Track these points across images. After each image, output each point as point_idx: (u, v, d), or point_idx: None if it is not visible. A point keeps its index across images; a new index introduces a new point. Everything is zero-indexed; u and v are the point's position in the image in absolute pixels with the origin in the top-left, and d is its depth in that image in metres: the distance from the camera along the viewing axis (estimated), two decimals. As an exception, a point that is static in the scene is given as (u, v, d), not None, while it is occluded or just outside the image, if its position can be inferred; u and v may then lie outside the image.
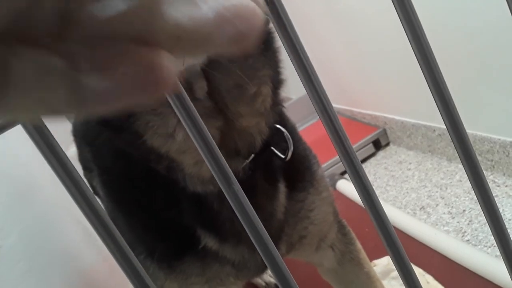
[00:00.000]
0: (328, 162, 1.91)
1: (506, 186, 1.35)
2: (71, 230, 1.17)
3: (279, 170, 0.64)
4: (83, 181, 0.22)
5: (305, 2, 2.09)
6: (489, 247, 1.16)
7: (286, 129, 0.64)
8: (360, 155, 1.97)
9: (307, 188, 0.69)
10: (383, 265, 1.12)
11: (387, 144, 2.01)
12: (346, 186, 1.61)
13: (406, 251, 0.98)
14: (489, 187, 0.27)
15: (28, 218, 1.04)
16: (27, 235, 0.99)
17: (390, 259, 0.97)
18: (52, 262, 1.05)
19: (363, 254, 0.82)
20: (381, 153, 1.98)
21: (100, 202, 0.26)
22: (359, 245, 0.82)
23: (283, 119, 0.67)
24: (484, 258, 1.02)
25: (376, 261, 1.13)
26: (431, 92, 0.27)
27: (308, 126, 2.41)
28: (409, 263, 0.26)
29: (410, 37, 0.25)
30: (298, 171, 0.69)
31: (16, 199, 1.04)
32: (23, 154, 1.11)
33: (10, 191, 1.03)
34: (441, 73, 0.26)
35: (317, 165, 0.73)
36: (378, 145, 2.00)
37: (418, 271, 1.06)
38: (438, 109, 0.27)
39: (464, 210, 1.36)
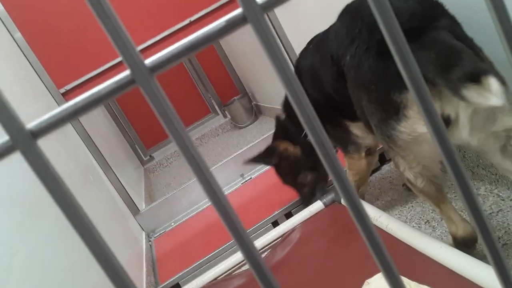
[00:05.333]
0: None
1: (511, 200, 1.36)
2: (80, 247, 1.18)
3: None
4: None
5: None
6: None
7: None
8: (365, 169, 1.98)
9: None
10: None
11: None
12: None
13: (411, 266, 0.98)
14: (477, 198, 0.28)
15: (37, 235, 1.06)
16: (36, 252, 1.01)
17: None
18: (62, 278, 1.06)
19: None
20: (385, 167, 1.99)
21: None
22: None
23: None
24: (489, 271, 1.02)
25: (369, 280, 1.10)
26: (417, 102, 0.28)
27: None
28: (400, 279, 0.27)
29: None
30: None
31: (26, 217, 1.06)
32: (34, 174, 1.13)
33: (21, 209, 1.05)
34: (423, 83, 0.28)
35: None
36: (383, 159, 2.01)
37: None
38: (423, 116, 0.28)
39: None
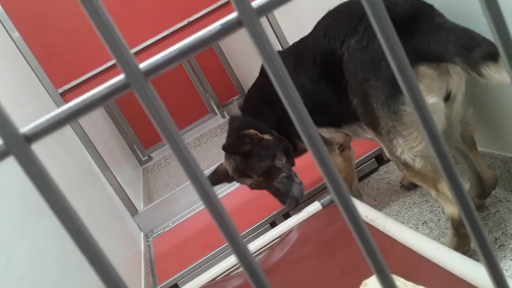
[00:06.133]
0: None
1: (508, 201, 1.36)
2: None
3: None
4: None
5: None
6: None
7: None
8: (363, 170, 1.98)
9: None
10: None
11: (390, 159, 2.02)
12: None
13: (409, 266, 0.98)
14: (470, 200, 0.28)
15: (36, 234, 1.06)
16: (34, 251, 1.01)
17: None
18: (59, 277, 1.06)
19: None
20: (383, 168, 1.99)
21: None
22: None
23: None
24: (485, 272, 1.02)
25: (366, 281, 1.09)
26: (408, 101, 0.28)
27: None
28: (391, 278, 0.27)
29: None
30: None
31: (25, 216, 1.06)
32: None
33: (19, 208, 1.05)
34: (416, 82, 0.28)
35: None
36: (380, 160, 2.01)
37: None
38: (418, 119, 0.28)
39: (466, 225, 1.36)
